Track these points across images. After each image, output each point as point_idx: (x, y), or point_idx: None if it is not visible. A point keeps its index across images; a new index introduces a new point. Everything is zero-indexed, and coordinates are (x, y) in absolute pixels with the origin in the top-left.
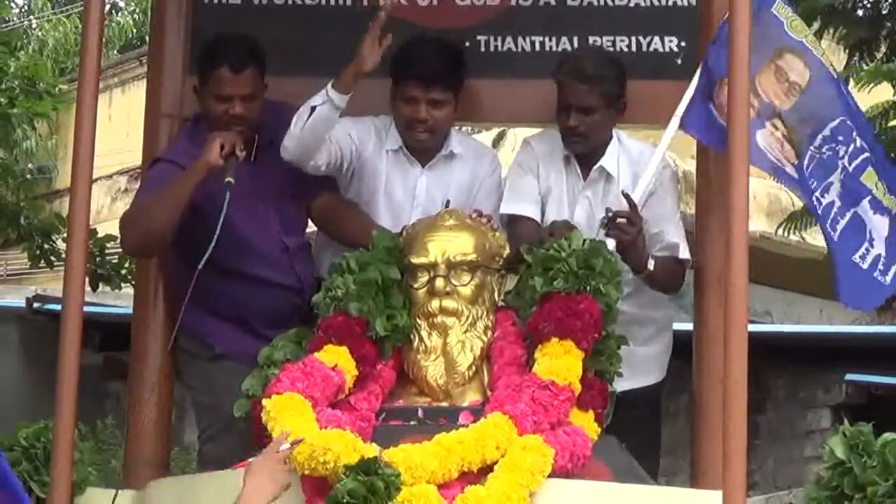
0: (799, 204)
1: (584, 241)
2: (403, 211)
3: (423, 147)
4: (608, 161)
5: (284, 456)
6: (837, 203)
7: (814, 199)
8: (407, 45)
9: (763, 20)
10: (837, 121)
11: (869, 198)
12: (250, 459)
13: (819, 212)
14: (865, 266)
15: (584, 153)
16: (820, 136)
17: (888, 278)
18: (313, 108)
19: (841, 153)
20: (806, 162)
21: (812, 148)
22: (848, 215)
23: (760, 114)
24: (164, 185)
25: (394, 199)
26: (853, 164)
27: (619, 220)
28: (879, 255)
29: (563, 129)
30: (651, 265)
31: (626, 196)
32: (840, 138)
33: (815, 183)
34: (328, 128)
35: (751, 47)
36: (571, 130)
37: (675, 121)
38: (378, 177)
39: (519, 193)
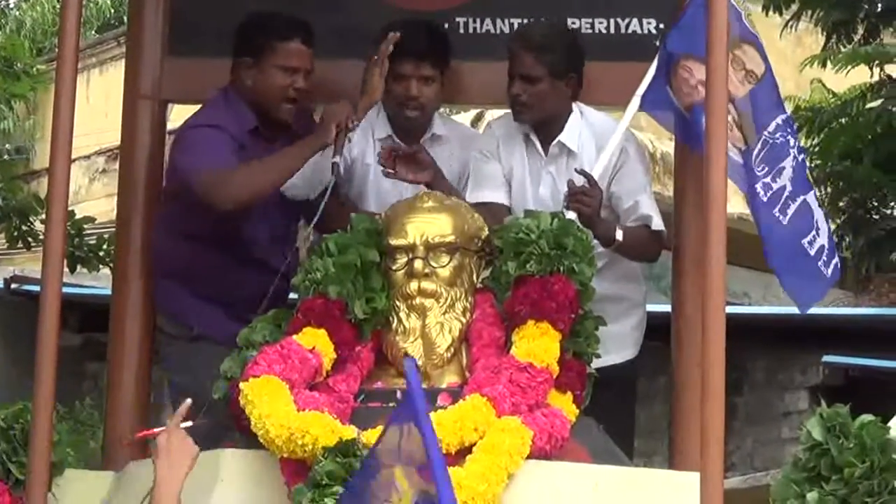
0: None
1: (553, 220)
2: (391, 197)
3: (414, 125)
4: (567, 136)
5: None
6: (789, 187)
7: (760, 185)
8: (392, 26)
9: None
10: (786, 114)
11: (813, 191)
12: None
13: (765, 198)
14: (812, 252)
15: (544, 129)
16: (774, 123)
17: (829, 271)
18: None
19: (791, 143)
20: (759, 147)
21: (766, 133)
22: (798, 200)
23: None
24: (275, 156)
25: (382, 186)
26: (801, 157)
27: (579, 185)
28: (823, 245)
29: (509, 99)
30: (619, 236)
31: (582, 172)
32: (789, 129)
33: (766, 168)
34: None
35: (729, 30)
36: (515, 99)
37: (635, 100)
38: (366, 167)
39: (483, 180)
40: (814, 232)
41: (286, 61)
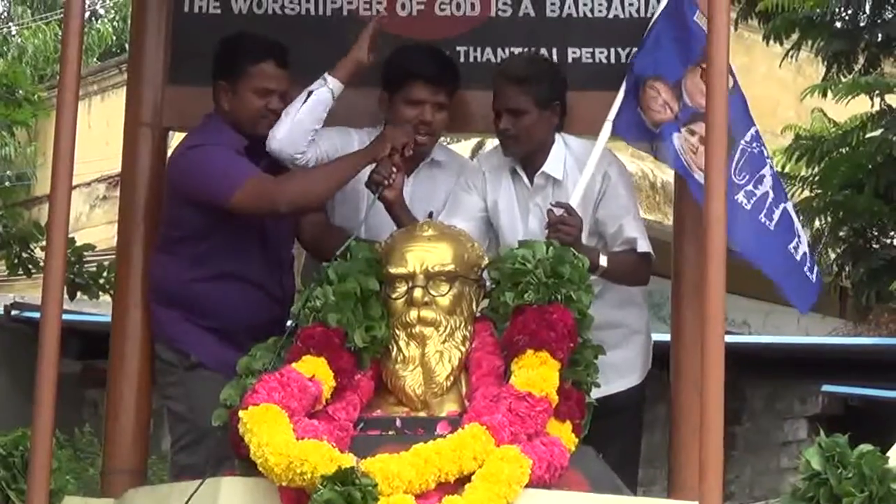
0: None
1: (548, 248)
2: (384, 218)
3: (421, 151)
4: (551, 166)
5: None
6: (771, 195)
7: (742, 193)
8: (403, 51)
9: (686, 27)
10: (756, 127)
11: (790, 201)
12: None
13: (749, 206)
14: (798, 258)
15: (529, 161)
16: (749, 133)
17: (813, 277)
18: (310, 93)
19: (765, 153)
20: (738, 156)
21: (744, 142)
22: (780, 208)
23: (678, 118)
24: (328, 164)
25: (374, 207)
26: (775, 168)
27: (557, 214)
28: (805, 253)
29: (497, 133)
30: (604, 262)
31: (559, 204)
32: (761, 141)
33: (748, 176)
34: (321, 115)
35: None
36: (504, 133)
37: (607, 125)
38: (362, 189)
39: (457, 209)
40: (797, 238)
41: (260, 83)
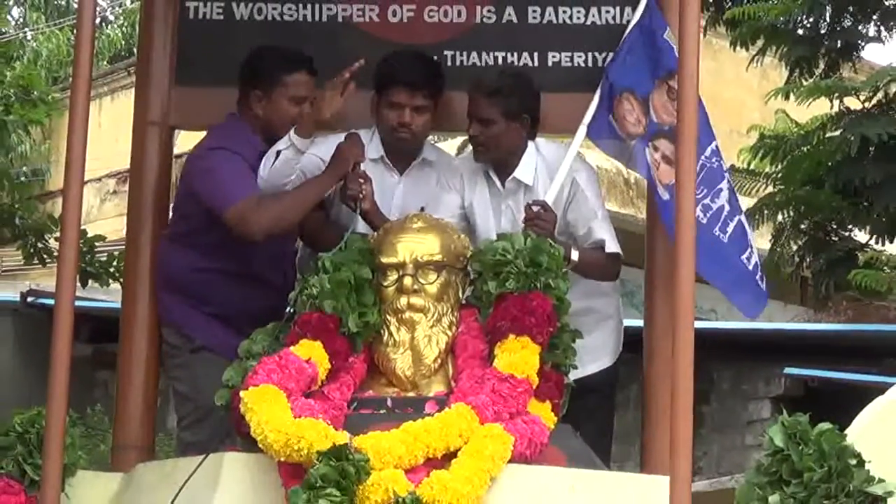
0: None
1: (526, 240)
2: (383, 220)
3: (404, 148)
4: (522, 172)
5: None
6: (727, 208)
7: (699, 207)
8: (392, 57)
9: (655, 44)
10: (716, 141)
11: (743, 214)
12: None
13: (704, 220)
14: (750, 267)
15: (502, 166)
16: (709, 148)
17: (763, 285)
18: (278, 153)
19: (723, 167)
20: (697, 170)
21: (704, 157)
22: (736, 219)
23: (646, 132)
24: (299, 186)
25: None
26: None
27: (534, 210)
28: (757, 262)
29: (469, 139)
30: (575, 256)
31: (535, 202)
32: (720, 156)
33: (706, 190)
34: (291, 169)
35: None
36: (473, 140)
37: (581, 129)
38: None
39: (437, 207)
40: (749, 249)
41: (295, 92)
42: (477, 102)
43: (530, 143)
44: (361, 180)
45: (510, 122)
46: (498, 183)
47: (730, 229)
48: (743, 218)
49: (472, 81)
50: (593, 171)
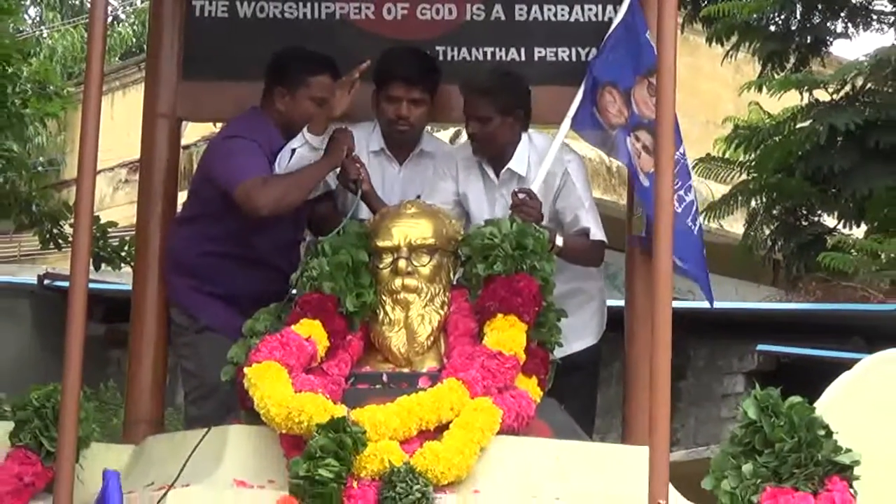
0: (718, 195)
1: (512, 224)
2: (381, 203)
3: (403, 139)
4: (516, 163)
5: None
6: (696, 204)
7: (675, 197)
8: (390, 53)
9: (638, 42)
10: (682, 145)
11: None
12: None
13: (679, 209)
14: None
15: (497, 157)
16: (682, 147)
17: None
18: (293, 150)
19: (690, 167)
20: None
21: (678, 153)
22: (700, 217)
23: (628, 123)
24: (300, 170)
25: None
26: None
27: (520, 197)
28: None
29: (468, 136)
30: (560, 242)
31: (521, 190)
32: (686, 157)
33: (680, 183)
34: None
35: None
36: (472, 137)
37: (566, 121)
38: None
39: (433, 194)
40: (703, 247)
41: (317, 93)
42: (473, 101)
43: (523, 136)
44: (358, 165)
45: (505, 118)
46: (492, 174)
47: (697, 223)
48: (701, 218)
49: (466, 82)
50: (582, 162)
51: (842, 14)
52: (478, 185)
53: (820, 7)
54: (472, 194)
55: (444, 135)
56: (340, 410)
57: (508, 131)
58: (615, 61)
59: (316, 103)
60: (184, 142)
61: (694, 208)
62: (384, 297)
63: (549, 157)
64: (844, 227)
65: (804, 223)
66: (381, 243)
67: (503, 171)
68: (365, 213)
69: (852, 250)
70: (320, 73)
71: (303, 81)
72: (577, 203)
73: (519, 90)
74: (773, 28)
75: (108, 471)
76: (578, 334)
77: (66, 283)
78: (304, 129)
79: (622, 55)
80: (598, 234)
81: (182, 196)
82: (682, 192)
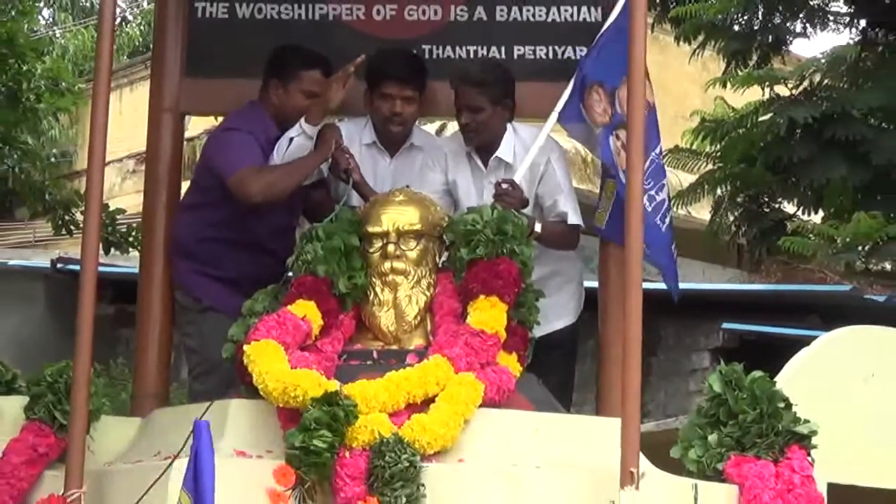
0: (686, 183)
1: (493, 211)
2: (371, 191)
3: (396, 137)
4: (503, 151)
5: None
6: (667, 202)
7: (646, 197)
8: (382, 54)
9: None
10: (661, 144)
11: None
12: None
13: (649, 208)
14: (675, 257)
15: (484, 147)
16: (658, 147)
17: (679, 276)
18: (291, 139)
19: (664, 168)
20: (647, 165)
21: (654, 154)
22: (670, 214)
23: (611, 122)
24: (292, 161)
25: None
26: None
27: (503, 187)
28: (676, 254)
29: (460, 127)
30: (538, 228)
31: (504, 180)
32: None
33: (653, 183)
34: (302, 154)
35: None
36: (465, 127)
37: (553, 115)
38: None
39: (423, 184)
40: (674, 243)
41: (308, 87)
42: (466, 93)
43: (509, 126)
44: (347, 156)
45: (496, 108)
46: (480, 163)
47: (667, 220)
48: (670, 215)
49: (460, 75)
50: (564, 152)
51: (800, 15)
52: (466, 173)
53: (780, 8)
54: (461, 182)
55: (430, 128)
56: (333, 385)
57: (498, 121)
58: (604, 61)
59: (307, 96)
60: (187, 134)
61: (665, 207)
62: (374, 280)
63: (535, 146)
64: (803, 213)
65: (766, 210)
66: (371, 229)
67: (491, 159)
68: (356, 200)
69: (810, 235)
70: (312, 68)
71: (295, 76)
72: (556, 189)
73: (507, 82)
74: (736, 28)
75: (200, 421)
76: (558, 314)
77: (77, 267)
78: (302, 120)
79: (611, 56)
80: (574, 218)
81: (186, 185)
82: (653, 192)
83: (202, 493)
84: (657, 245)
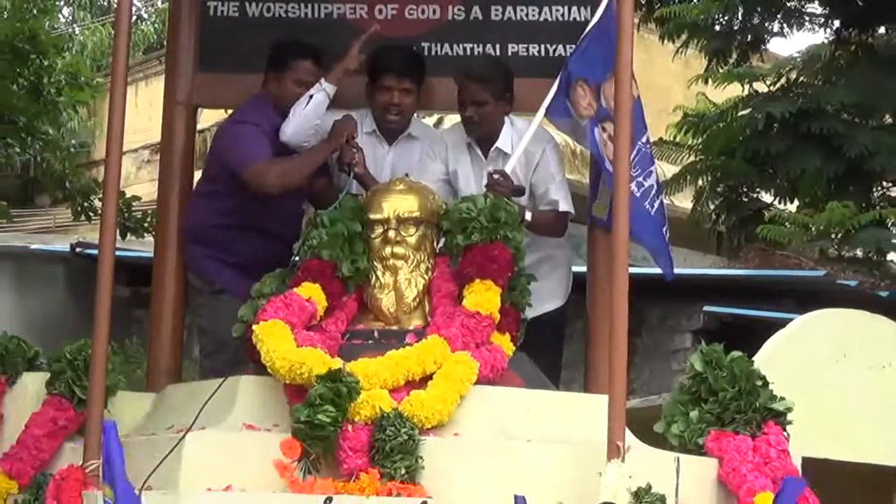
0: (669, 174)
1: (486, 200)
2: (373, 182)
3: (394, 127)
4: (503, 142)
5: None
6: (655, 187)
7: (634, 183)
8: (382, 49)
9: (611, 43)
10: (648, 133)
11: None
12: None
13: (638, 193)
14: (666, 239)
15: (484, 139)
16: (644, 137)
17: (672, 255)
18: (311, 96)
19: (652, 155)
20: (634, 153)
21: (640, 142)
22: (659, 199)
23: (596, 115)
24: (304, 152)
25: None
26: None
27: (495, 178)
28: (668, 236)
29: (463, 119)
30: (528, 216)
31: (495, 171)
32: (650, 146)
33: (640, 170)
34: (320, 112)
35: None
36: (469, 120)
37: (541, 110)
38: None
39: (425, 173)
40: (666, 225)
41: (300, 76)
42: (471, 87)
43: (506, 119)
44: (354, 150)
45: (498, 102)
46: (480, 153)
47: (655, 205)
48: (663, 198)
49: (464, 70)
50: (557, 144)
51: (778, 16)
52: (466, 163)
53: (759, 9)
54: (461, 172)
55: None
56: (337, 363)
57: (499, 114)
58: (589, 59)
59: (299, 85)
60: (199, 126)
61: (653, 192)
62: (376, 264)
63: (526, 138)
64: (780, 202)
65: (744, 199)
66: (373, 216)
67: (491, 150)
68: (357, 188)
69: (786, 223)
70: (303, 59)
71: (289, 66)
72: (548, 177)
73: (508, 78)
74: (717, 28)
75: (107, 422)
76: (548, 297)
77: (95, 251)
78: (322, 80)
79: (596, 53)
80: (564, 205)
81: (198, 174)
82: (640, 179)
83: (117, 482)
84: (648, 228)
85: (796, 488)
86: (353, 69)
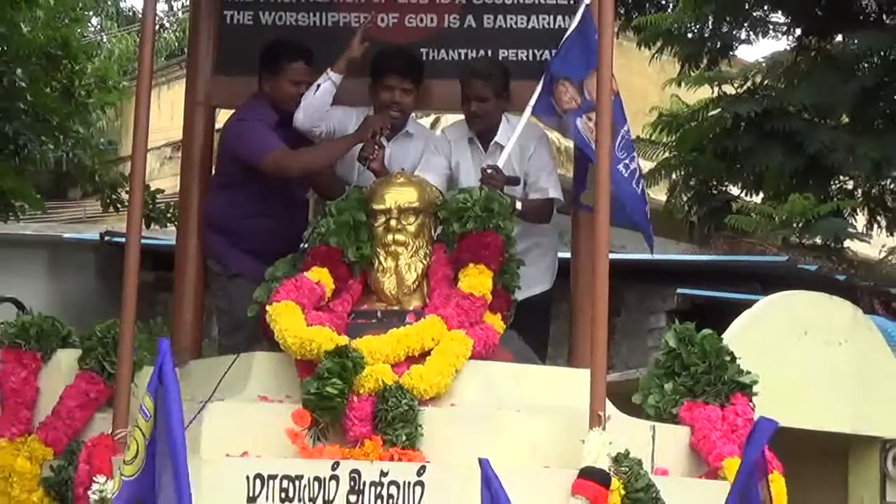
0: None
1: (481, 191)
2: (373, 176)
3: (394, 125)
4: (501, 137)
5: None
6: (638, 171)
7: (621, 165)
8: (385, 51)
9: (590, 45)
10: (628, 125)
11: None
12: None
13: (626, 174)
14: (648, 218)
15: (484, 133)
16: (625, 126)
17: (651, 234)
18: (318, 85)
19: (632, 143)
20: (618, 140)
21: (623, 130)
22: (641, 183)
23: (581, 107)
24: (327, 143)
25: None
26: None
27: (489, 172)
28: (648, 214)
29: (466, 115)
30: (519, 206)
31: (489, 166)
32: (629, 136)
33: (626, 153)
34: (327, 99)
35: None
36: (472, 114)
37: (528, 108)
38: (355, 151)
39: (428, 167)
40: (647, 205)
41: (293, 76)
42: (474, 85)
43: (503, 115)
44: (377, 147)
45: (497, 99)
46: (480, 147)
47: (639, 187)
48: (644, 184)
49: (469, 69)
50: (549, 139)
51: (745, 24)
52: (467, 156)
53: (727, 19)
54: (463, 164)
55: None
56: (343, 340)
57: (499, 110)
58: (569, 60)
59: (292, 84)
60: (217, 125)
61: (637, 174)
62: (379, 250)
63: (516, 132)
64: (746, 195)
65: (714, 192)
66: (376, 206)
67: (491, 144)
68: (363, 181)
69: (752, 213)
70: (296, 60)
71: (282, 67)
72: (540, 168)
73: (506, 77)
74: (689, 35)
75: (164, 340)
76: (537, 280)
77: (122, 240)
78: (329, 69)
79: (576, 55)
80: (554, 192)
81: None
82: (626, 161)
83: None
84: (636, 209)
85: (768, 427)
86: (355, 56)
